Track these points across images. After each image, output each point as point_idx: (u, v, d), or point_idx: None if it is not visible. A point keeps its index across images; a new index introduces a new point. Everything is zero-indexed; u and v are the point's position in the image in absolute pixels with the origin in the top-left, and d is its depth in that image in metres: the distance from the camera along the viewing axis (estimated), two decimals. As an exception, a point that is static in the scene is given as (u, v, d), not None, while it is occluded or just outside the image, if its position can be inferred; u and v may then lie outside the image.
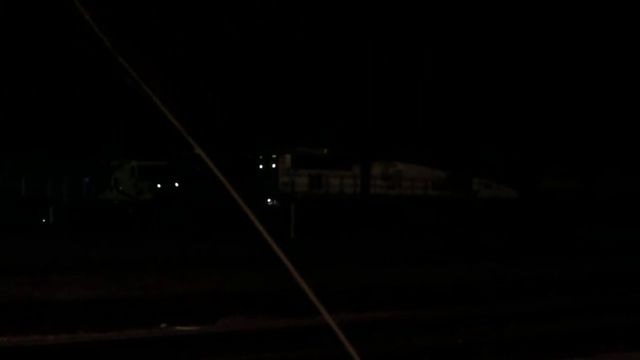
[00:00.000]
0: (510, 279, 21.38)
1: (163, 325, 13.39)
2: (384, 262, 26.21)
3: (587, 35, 42.86)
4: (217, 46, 42.01)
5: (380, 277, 21.62)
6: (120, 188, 43.68)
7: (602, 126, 46.94)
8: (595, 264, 26.38)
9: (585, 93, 45.66)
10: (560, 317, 15.00)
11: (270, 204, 44.03)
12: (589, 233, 40.08)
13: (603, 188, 50.25)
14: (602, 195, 49.62)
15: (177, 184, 44.03)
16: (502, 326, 13.84)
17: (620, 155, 49.36)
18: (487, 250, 31.43)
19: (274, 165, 44.97)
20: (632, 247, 33.00)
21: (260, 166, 45.19)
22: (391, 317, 14.54)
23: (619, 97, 46.44)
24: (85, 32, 4.67)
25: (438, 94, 44.18)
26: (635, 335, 12.69)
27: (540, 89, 45.01)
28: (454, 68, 43.34)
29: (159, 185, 44.08)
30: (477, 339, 12.22)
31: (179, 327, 13.24)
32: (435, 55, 42.73)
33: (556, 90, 45.18)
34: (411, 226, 43.04)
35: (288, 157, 44.88)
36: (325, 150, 46.52)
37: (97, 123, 47.55)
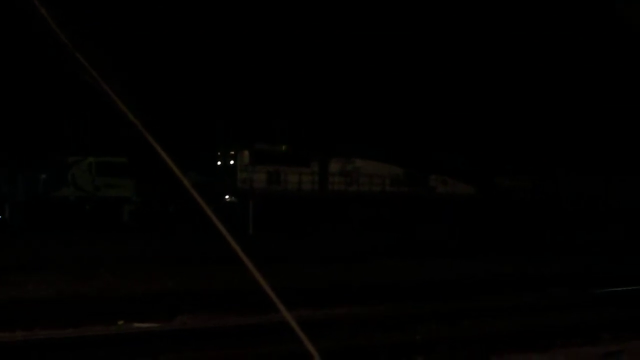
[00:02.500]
0: (462, 276, 21.49)
1: (120, 322, 13.29)
2: (341, 259, 26.22)
3: (541, 37, 43.19)
4: (176, 43, 41.80)
5: (337, 273, 21.64)
6: (78, 184, 43.32)
7: (555, 127, 47.37)
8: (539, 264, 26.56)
9: (540, 94, 46.03)
10: (513, 314, 15.12)
11: (228, 200, 43.90)
12: (539, 231, 40.51)
13: (557, 187, 50.83)
14: (555, 195, 50.20)
15: (136, 181, 43.82)
16: (456, 324, 13.91)
17: (572, 156, 49.90)
18: (441, 247, 31.60)
19: (232, 162, 44.85)
20: (575, 246, 33.61)
21: (219, 163, 45.05)
22: (348, 314, 14.55)
23: (573, 100, 46.87)
24: (41, 28, 4.61)
25: (396, 92, 44.30)
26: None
27: (497, 89, 45.31)
28: (412, 67, 43.49)
29: (117, 182, 43.81)
30: (434, 336, 12.25)
31: (136, 324, 13.15)
32: (395, 54, 42.85)
33: (512, 90, 45.50)
34: (368, 222, 43.16)
35: (246, 153, 44.77)
36: (284, 147, 46.48)
37: (54, 119, 47.09)
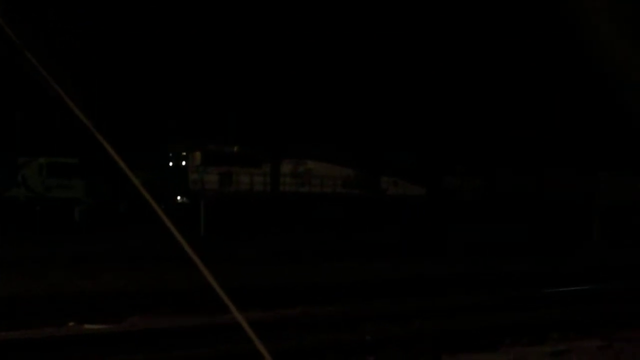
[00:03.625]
0: (411, 276, 21.63)
1: (71, 323, 13.16)
2: (291, 260, 26.26)
3: (482, 34, 43.48)
4: (126, 41, 41.47)
5: (288, 274, 21.66)
6: (28, 185, 42.90)
7: (498, 126, 47.81)
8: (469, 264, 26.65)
9: (484, 96, 46.41)
10: (463, 313, 15.24)
11: (180, 201, 43.74)
12: (488, 231, 40.95)
13: (504, 187, 51.50)
14: (502, 194, 50.85)
15: (87, 182, 43.48)
16: (408, 323, 13.98)
17: (513, 156, 50.54)
18: (390, 249, 31.78)
19: (183, 163, 44.68)
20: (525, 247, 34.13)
21: (170, 163, 44.86)
22: (299, 314, 14.55)
23: (514, 102, 47.33)
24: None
25: (345, 92, 44.35)
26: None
27: (443, 88, 45.57)
28: (359, 66, 43.55)
29: (68, 183, 43.45)
30: (384, 335, 12.30)
31: (87, 326, 13.03)
32: (341, 52, 42.87)
33: (459, 90, 45.80)
34: (318, 224, 43.25)
35: (198, 154, 44.65)
36: (236, 148, 46.41)
37: (3, 119, 46.53)
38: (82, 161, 43.20)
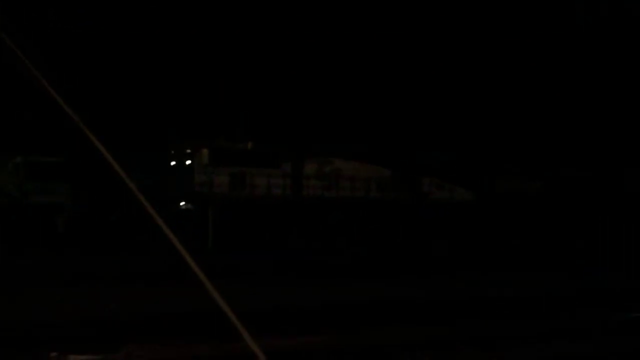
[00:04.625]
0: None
1: (53, 354, 13.25)
2: (315, 276, 26.33)
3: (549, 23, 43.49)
4: (124, 29, 41.70)
5: (310, 294, 21.68)
6: (2, 189, 43.12)
7: (565, 118, 47.62)
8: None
9: (546, 81, 46.27)
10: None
11: (183, 207, 43.84)
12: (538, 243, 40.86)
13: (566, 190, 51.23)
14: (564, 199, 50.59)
15: (72, 185, 43.63)
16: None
17: (580, 154, 50.27)
18: (419, 263, 31.81)
19: (188, 162, 44.78)
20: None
21: (173, 163, 44.97)
22: (324, 342, 14.58)
23: (585, 88, 47.17)
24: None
25: (380, 82, 44.32)
26: None
27: (493, 77, 45.49)
28: (401, 55, 43.56)
29: (50, 186, 43.63)
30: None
31: (72, 356, 13.12)
32: (379, 41, 42.94)
33: (513, 78, 45.69)
34: (349, 235, 43.22)
35: (205, 152, 44.73)
36: (250, 145, 46.45)
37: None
38: (67, 160, 43.34)
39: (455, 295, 22.08)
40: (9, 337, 13.98)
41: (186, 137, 45.46)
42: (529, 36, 43.61)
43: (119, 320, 16.10)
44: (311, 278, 26.23)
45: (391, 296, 21.76)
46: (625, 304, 21.00)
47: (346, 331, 15.84)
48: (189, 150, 44.75)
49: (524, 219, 47.96)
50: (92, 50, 41.67)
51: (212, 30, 41.62)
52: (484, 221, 47.19)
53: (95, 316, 16.82)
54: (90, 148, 4.90)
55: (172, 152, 44.96)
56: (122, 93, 43.61)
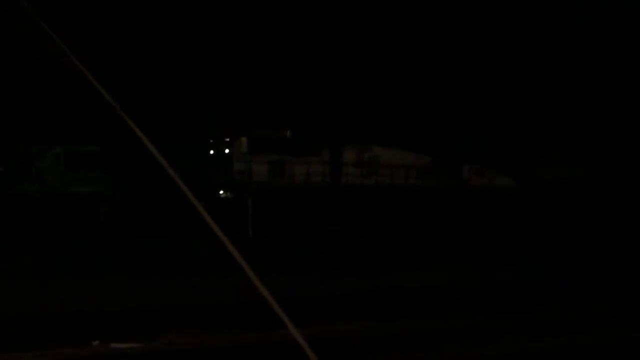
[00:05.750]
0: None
1: (95, 342, 13.31)
2: (354, 265, 26.35)
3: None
4: (161, 14, 41.80)
5: (351, 282, 21.69)
6: (43, 179, 43.30)
7: (606, 109, 47.27)
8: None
9: (587, 72, 45.96)
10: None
11: (223, 196, 43.91)
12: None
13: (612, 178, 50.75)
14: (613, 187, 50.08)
15: (112, 174, 43.76)
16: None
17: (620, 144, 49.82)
18: (461, 253, 31.77)
19: (227, 151, 44.82)
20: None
21: (212, 152, 45.02)
22: (363, 329, 14.56)
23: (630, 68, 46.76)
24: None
25: (421, 70, 44.20)
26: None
27: (534, 62, 45.20)
28: (438, 41, 43.42)
29: (90, 175, 43.77)
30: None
31: (114, 345, 13.17)
32: (417, 27, 42.82)
33: (555, 62, 45.39)
34: (388, 222, 43.12)
35: (244, 140, 44.75)
36: (289, 133, 46.42)
37: (13, 101, 47.13)
38: (106, 149, 43.45)
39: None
40: (53, 327, 14.07)
41: (225, 126, 45.49)
42: (570, 29, 43.48)
43: (160, 308, 16.16)
44: (355, 268, 26.25)
45: (444, 285, 21.77)
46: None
47: (383, 319, 15.83)
48: (227, 139, 44.78)
49: (569, 206, 47.62)
50: (134, 41, 41.87)
51: (253, 22, 41.70)
52: (527, 208, 46.92)
53: (135, 305, 16.88)
54: (130, 138, 4.91)
55: (211, 141, 45.00)
56: (162, 82, 43.77)
